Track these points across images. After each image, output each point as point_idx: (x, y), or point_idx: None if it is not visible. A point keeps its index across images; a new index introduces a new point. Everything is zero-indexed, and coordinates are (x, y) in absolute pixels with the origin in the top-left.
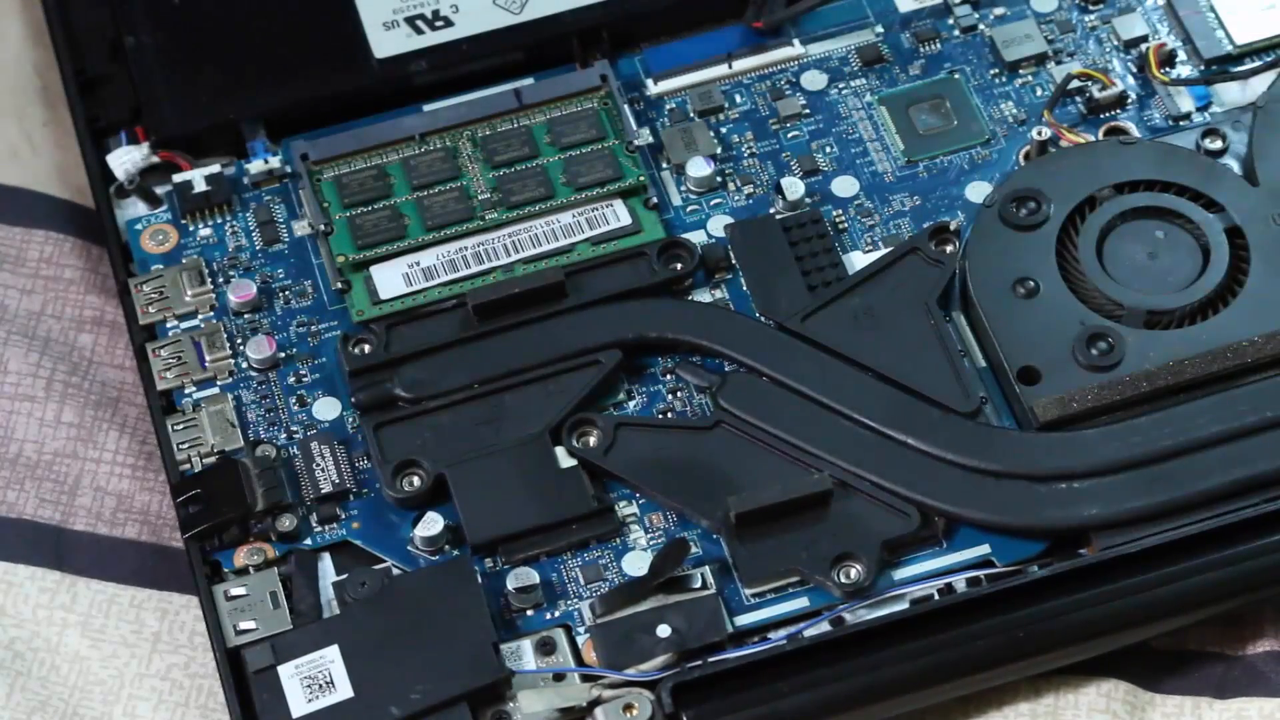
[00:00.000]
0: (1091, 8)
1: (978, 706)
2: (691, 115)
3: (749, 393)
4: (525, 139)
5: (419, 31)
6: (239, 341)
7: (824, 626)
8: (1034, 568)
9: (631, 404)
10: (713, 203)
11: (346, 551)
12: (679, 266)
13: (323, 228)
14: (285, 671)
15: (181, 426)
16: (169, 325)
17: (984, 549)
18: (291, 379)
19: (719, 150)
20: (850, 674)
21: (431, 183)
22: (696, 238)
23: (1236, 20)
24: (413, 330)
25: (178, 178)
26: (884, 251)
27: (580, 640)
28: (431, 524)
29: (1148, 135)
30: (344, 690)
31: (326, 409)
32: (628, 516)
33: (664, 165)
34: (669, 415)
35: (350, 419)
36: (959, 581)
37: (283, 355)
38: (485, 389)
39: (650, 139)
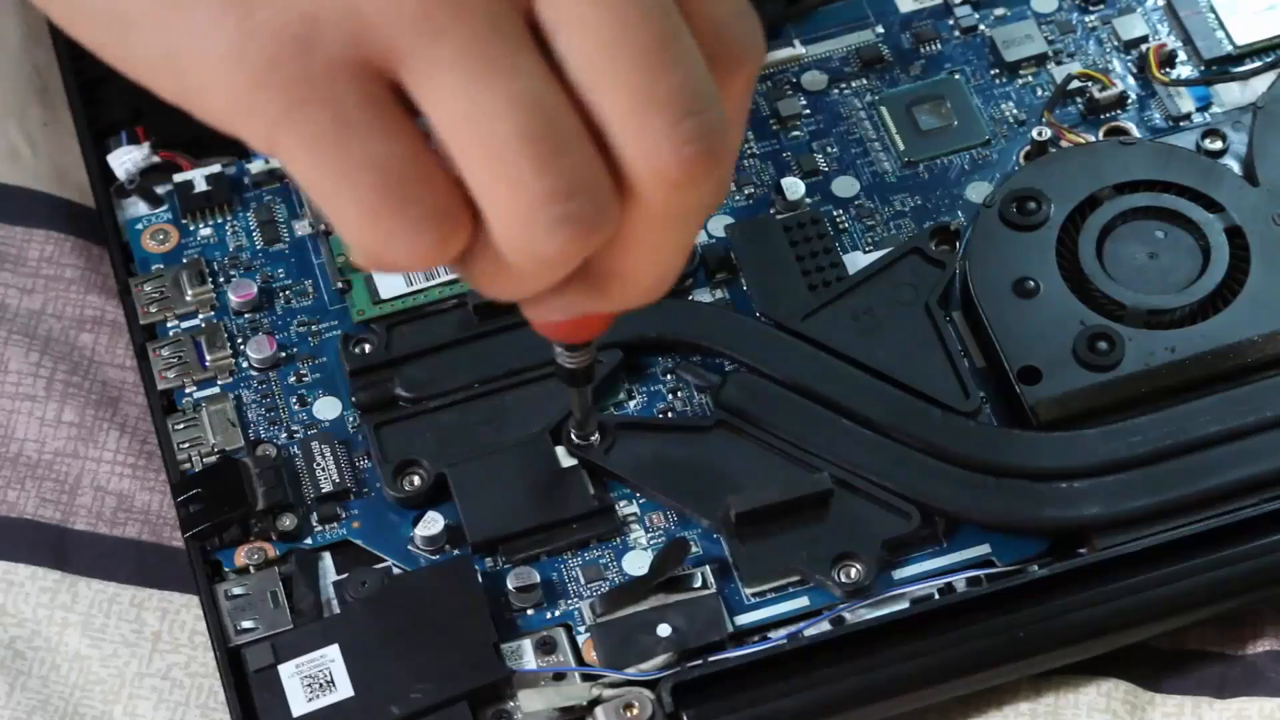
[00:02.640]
0: (1091, 8)
1: (978, 706)
2: None
3: (749, 393)
4: None
5: None
6: (239, 341)
7: (824, 626)
8: (1034, 568)
9: (632, 404)
10: None
11: (347, 551)
12: None
13: (323, 227)
14: (285, 671)
15: (182, 426)
16: (169, 325)
17: (984, 549)
18: (292, 379)
19: None
20: (850, 674)
21: None
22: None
23: (1236, 20)
24: (413, 330)
25: (178, 177)
26: (884, 252)
27: (580, 640)
28: (432, 523)
29: (1148, 135)
30: (344, 689)
31: (327, 409)
32: (628, 516)
33: None
34: (669, 415)
35: (351, 419)
36: (959, 581)
37: (283, 355)
38: (486, 389)
39: None
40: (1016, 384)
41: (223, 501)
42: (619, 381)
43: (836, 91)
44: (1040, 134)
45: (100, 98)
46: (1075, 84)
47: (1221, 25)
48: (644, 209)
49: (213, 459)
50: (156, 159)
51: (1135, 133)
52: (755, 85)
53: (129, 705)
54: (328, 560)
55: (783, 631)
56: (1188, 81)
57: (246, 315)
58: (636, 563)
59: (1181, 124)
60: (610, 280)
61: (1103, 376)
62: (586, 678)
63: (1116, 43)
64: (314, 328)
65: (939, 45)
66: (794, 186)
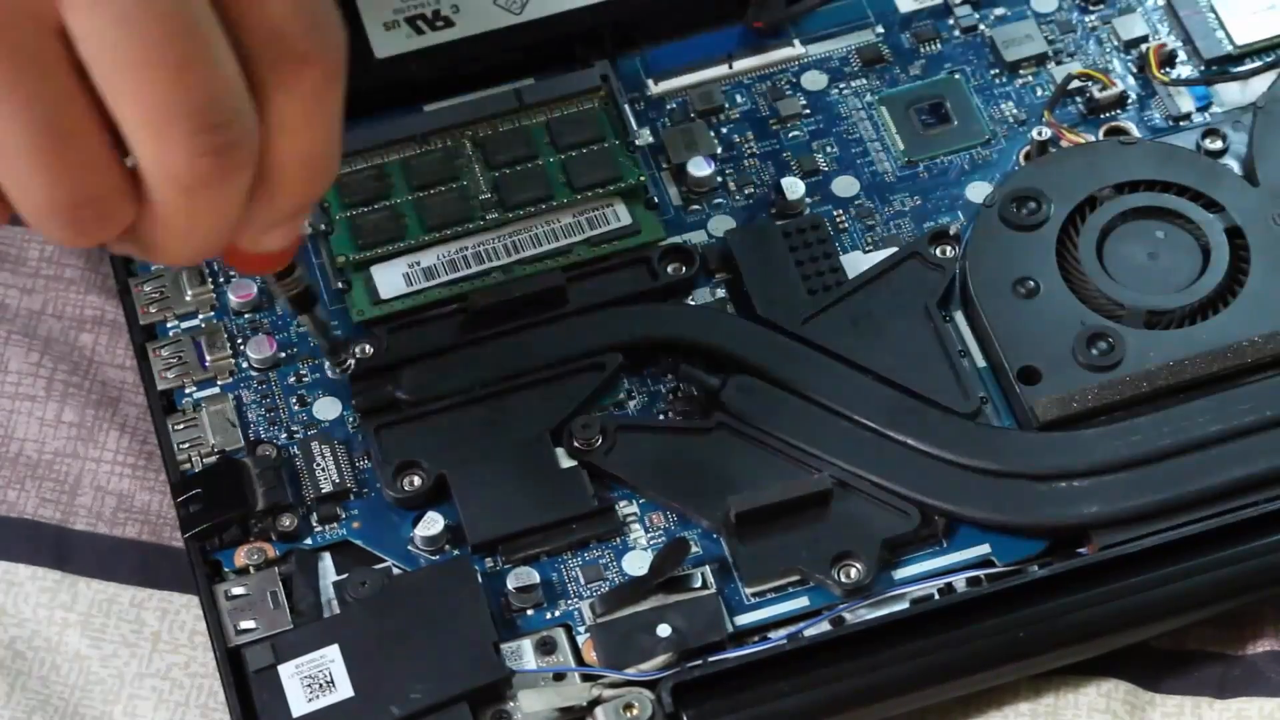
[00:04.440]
0: (1091, 8)
1: (978, 706)
2: (692, 115)
3: (749, 394)
4: (525, 140)
5: (419, 31)
6: (239, 341)
7: (824, 626)
8: (1034, 568)
9: (632, 404)
10: (713, 203)
11: (346, 551)
12: (681, 270)
13: (323, 228)
14: (285, 671)
15: (182, 426)
16: (169, 325)
17: (984, 549)
18: (292, 379)
19: (719, 150)
20: (850, 674)
21: (431, 183)
22: (697, 238)
23: (1236, 20)
24: (414, 334)
25: None
26: (884, 252)
27: (580, 640)
28: (432, 524)
29: (1148, 135)
30: (344, 690)
31: (327, 409)
32: (628, 516)
33: (664, 166)
34: (669, 416)
35: (350, 419)
36: (959, 581)
37: (283, 355)
38: (486, 391)
39: (651, 139)
40: (1016, 384)
41: (223, 502)
42: (619, 382)
43: (836, 91)
44: (1040, 134)
45: None
46: (1075, 84)
47: (1221, 25)
48: (162, 205)
49: (213, 459)
50: None
51: (1135, 133)
52: (338, 79)
53: (129, 705)
54: (328, 560)
55: (783, 631)
56: (1188, 81)
57: (246, 315)
58: (636, 563)
59: (1181, 124)
60: (152, 245)
61: (1103, 376)
62: (586, 678)
63: (1116, 42)
64: None
65: (939, 45)
66: (794, 186)
